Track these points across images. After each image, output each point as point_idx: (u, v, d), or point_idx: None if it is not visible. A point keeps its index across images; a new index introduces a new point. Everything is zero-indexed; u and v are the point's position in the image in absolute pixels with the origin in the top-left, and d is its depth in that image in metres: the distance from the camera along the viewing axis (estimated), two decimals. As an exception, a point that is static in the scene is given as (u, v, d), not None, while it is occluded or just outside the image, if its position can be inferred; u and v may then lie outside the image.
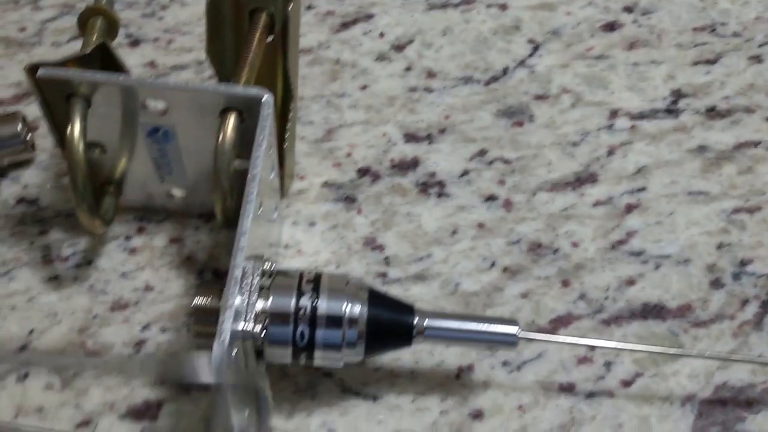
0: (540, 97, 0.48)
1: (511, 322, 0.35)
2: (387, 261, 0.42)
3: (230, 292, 0.31)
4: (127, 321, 0.40)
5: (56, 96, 0.36)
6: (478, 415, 0.38)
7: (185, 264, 0.41)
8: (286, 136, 0.41)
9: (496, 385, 0.38)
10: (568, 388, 0.38)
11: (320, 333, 0.34)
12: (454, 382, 0.39)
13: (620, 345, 0.37)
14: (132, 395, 0.38)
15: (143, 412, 0.37)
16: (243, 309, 0.32)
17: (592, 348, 0.39)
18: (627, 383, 0.39)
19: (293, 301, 0.34)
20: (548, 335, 0.37)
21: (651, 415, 0.38)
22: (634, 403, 0.38)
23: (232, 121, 0.36)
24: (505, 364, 0.39)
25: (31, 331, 0.39)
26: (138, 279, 0.41)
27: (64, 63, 0.36)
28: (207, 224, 0.43)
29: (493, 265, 0.42)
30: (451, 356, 0.39)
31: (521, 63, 0.50)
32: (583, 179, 0.45)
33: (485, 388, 0.38)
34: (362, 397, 0.38)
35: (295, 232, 0.43)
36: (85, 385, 0.38)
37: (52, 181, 0.44)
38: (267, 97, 0.35)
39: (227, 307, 0.31)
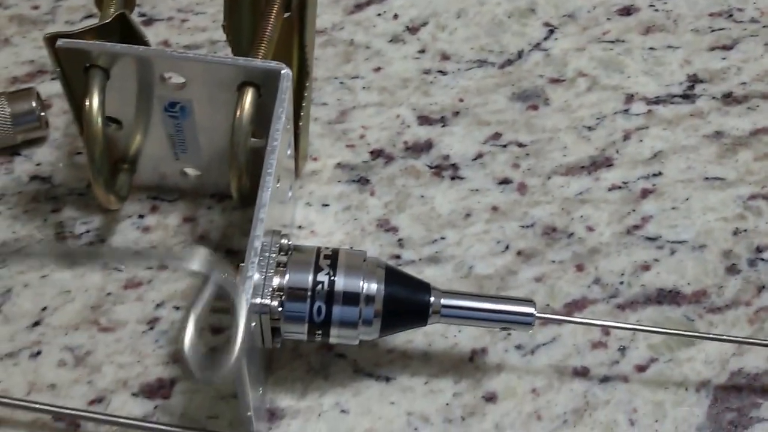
0: (555, 81, 0.48)
1: (527, 302, 0.35)
2: (400, 243, 0.42)
3: (250, 263, 0.31)
4: (141, 299, 0.39)
5: (75, 67, 0.36)
6: (491, 398, 0.37)
7: (198, 243, 0.41)
8: (301, 115, 0.40)
9: (510, 368, 0.38)
10: (582, 373, 0.38)
11: (337, 310, 0.34)
12: (468, 364, 0.38)
13: (638, 326, 0.37)
14: (145, 373, 0.38)
15: (156, 390, 0.37)
16: (260, 284, 0.32)
17: (607, 332, 0.39)
18: (642, 368, 0.38)
19: (310, 277, 0.34)
20: (565, 317, 0.36)
21: (666, 401, 0.37)
22: (648, 388, 0.38)
23: (249, 95, 0.35)
24: (518, 347, 0.39)
25: (44, 308, 0.39)
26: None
27: (83, 33, 0.35)
28: (220, 204, 0.43)
29: (507, 248, 0.42)
30: (465, 339, 0.39)
31: (536, 46, 0.49)
32: (598, 163, 0.45)
33: (499, 371, 0.38)
34: (375, 379, 0.38)
35: (309, 213, 0.43)
36: (98, 362, 0.38)
37: (66, 159, 0.44)
38: (286, 71, 0.35)
39: (247, 278, 0.30)
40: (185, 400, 0.37)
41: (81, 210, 0.42)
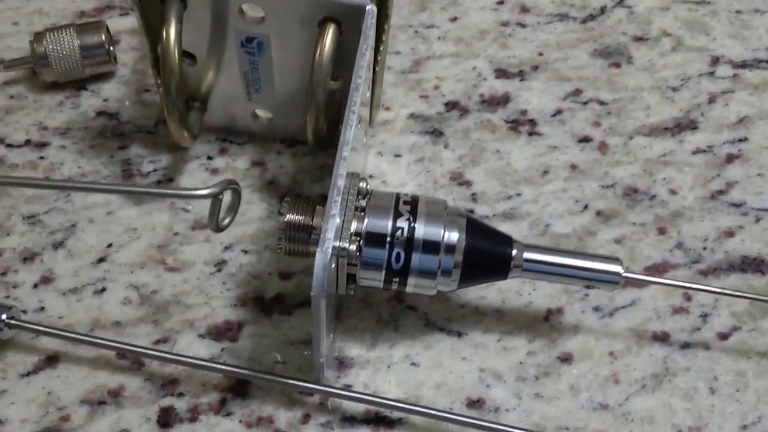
0: (639, 39, 0.46)
1: (614, 260, 0.34)
2: (474, 197, 0.40)
3: (333, 201, 0.29)
4: (209, 240, 0.39)
5: (151, -3, 0.34)
6: (566, 359, 0.36)
7: (267, 188, 0.40)
8: (378, 60, 0.39)
9: (587, 329, 0.37)
10: (662, 338, 0.37)
11: (416, 257, 0.32)
12: (543, 324, 0.37)
13: (726, 291, 0.35)
14: (212, 314, 0.37)
15: (224, 332, 0.36)
16: (339, 227, 0.31)
17: (689, 298, 0.38)
18: (724, 336, 0.37)
19: (390, 223, 0.32)
20: (654, 277, 0.35)
21: (748, 370, 0.36)
22: (730, 357, 0.36)
23: (331, 32, 0.34)
24: (596, 309, 0.37)
25: (110, 245, 0.38)
26: (219, 199, 0.40)
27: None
28: (290, 149, 0.42)
29: (585, 207, 0.40)
30: (540, 298, 0.38)
31: (620, 2, 0.47)
32: (682, 125, 0.43)
33: (575, 332, 0.37)
34: (446, 333, 0.37)
35: (380, 163, 0.41)
36: (164, 302, 0.37)
37: (133, 97, 0.43)
38: (371, 6, 0.33)
39: (330, 217, 0.29)
40: (253, 344, 0.36)
41: (148, 148, 0.41)
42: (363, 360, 0.36)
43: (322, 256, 0.29)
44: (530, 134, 0.42)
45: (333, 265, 0.31)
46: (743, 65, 0.45)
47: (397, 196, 0.34)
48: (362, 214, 0.33)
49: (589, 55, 0.45)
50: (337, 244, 0.31)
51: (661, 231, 0.40)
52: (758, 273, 0.39)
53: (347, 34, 0.35)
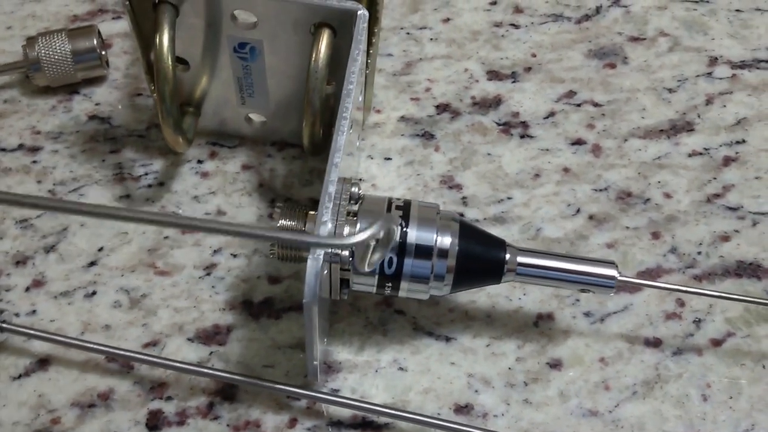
0: (635, 39, 0.45)
1: (609, 263, 0.33)
2: (465, 201, 0.40)
3: (324, 208, 0.29)
4: (198, 244, 0.39)
5: (144, 3, 0.34)
6: (556, 365, 0.36)
7: (258, 191, 0.40)
8: (368, 63, 0.39)
9: (578, 335, 0.37)
10: (654, 344, 0.36)
11: (408, 262, 0.32)
12: (532, 329, 0.37)
13: (722, 294, 0.34)
14: (201, 318, 0.37)
15: (212, 336, 0.36)
16: (331, 232, 0.31)
17: (682, 303, 0.37)
18: (717, 342, 0.36)
19: None
20: (649, 281, 0.34)
21: (741, 377, 0.36)
22: (724, 363, 0.36)
23: (326, 37, 0.34)
24: (587, 314, 0.37)
25: (101, 249, 0.38)
26: (210, 203, 0.40)
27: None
28: (280, 153, 0.41)
29: (578, 211, 0.40)
30: (530, 303, 0.37)
31: (616, 2, 0.47)
32: (678, 127, 0.42)
33: (565, 338, 0.37)
34: (435, 338, 0.37)
35: (370, 166, 0.41)
36: (154, 305, 0.37)
37: (126, 100, 0.43)
38: (363, 11, 0.33)
39: (321, 223, 0.29)
40: (241, 348, 0.36)
41: (140, 152, 0.41)
42: (351, 364, 0.36)
43: (313, 263, 0.29)
44: (522, 137, 0.42)
45: (326, 271, 0.31)
46: (742, 65, 0.45)
47: (389, 201, 0.34)
48: (354, 218, 0.33)
49: (583, 56, 0.45)
50: (329, 249, 0.31)
51: (655, 235, 0.39)
52: (754, 278, 0.38)
53: (340, 38, 0.35)
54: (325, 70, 0.34)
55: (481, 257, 0.33)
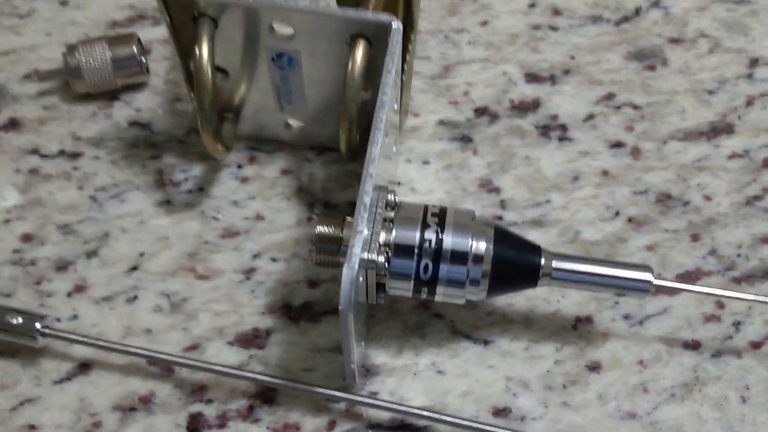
0: (675, 41, 0.45)
1: (644, 267, 0.33)
2: (503, 204, 0.40)
3: (359, 217, 0.30)
4: (238, 249, 0.39)
5: (183, 16, 0.35)
6: (595, 368, 0.36)
7: (296, 196, 0.41)
8: (404, 69, 0.39)
9: (616, 337, 0.36)
10: (693, 346, 0.36)
11: (444, 268, 0.32)
12: (571, 332, 0.37)
13: (761, 298, 0.34)
14: (241, 322, 0.37)
15: (252, 340, 0.37)
16: (367, 239, 0.31)
17: (722, 306, 0.37)
18: (756, 345, 0.36)
19: (417, 234, 0.33)
20: (685, 284, 0.34)
21: (784, 382, 0.35)
22: (763, 366, 0.35)
23: (361, 48, 0.34)
24: (626, 317, 0.37)
25: (142, 254, 0.39)
26: (249, 208, 0.40)
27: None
28: (319, 157, 0.42)
29: (617, 214, 0.40)
30: (569, 305, 0.37)
31: (655, 3, 0.47)
32: (718, 129, 0.42)
33: (604, 341, 0.36)
34: (473, 341, 0.37)
35: (408, 170, 0.41)
36: (194, 309, 0.38)
37: (166, 106, 0.43)
38: (397, 24, 0.34)
39: (357, 232, 0.30)
40: (281, 352, 0.36)
41: (180, 158, 0.42)
42: (389, 368, 0.36)
43: (348, 271, 0.29)
44: (561, 140, 0.42)
45: (361, 277, 0.31)
46: (783, 66, 0.44)
47: (425, 208, 0.34)
48: (391, 225, 0.33)
49: (622, 58, 0.44)
50: (365, 256, 0.31)
51: (695, 238, 0.39)
52: (796, 281, 0.38)
53: (375, 49, 0.35)
54: (360, 80, 0.34)
55: (516, 262, 0.33)
